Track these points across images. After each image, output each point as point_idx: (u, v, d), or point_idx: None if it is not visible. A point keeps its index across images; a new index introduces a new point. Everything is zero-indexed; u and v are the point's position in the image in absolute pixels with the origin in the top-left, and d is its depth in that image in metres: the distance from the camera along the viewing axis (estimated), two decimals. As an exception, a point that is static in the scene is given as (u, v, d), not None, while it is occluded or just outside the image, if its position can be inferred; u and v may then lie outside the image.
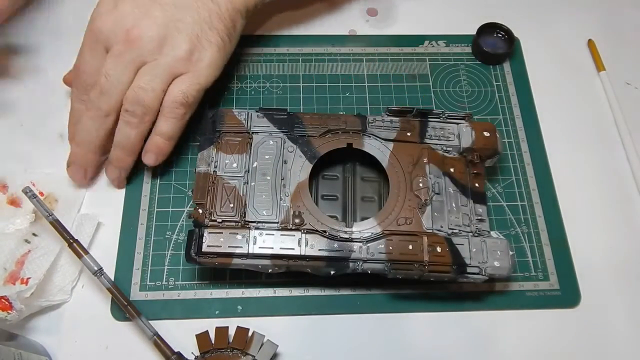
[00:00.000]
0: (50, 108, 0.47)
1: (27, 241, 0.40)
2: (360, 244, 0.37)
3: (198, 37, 0.40)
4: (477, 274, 0.37)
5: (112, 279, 0.39)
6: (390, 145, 0.40)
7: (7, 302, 0.36)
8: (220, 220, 0.37)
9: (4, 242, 0.40)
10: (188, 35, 0.40)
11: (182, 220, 0.43)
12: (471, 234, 0.38)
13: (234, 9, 0.43)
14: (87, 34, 0.40)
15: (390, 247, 0.37)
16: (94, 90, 0.39)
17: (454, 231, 0.38)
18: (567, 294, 0.42)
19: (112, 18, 0.39)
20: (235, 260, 0.36)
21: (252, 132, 0.40)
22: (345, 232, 0.37)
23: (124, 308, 0.37)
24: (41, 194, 0.42)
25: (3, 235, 0.40)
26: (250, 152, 0.40)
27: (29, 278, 0.38)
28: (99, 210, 0.42)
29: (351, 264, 0.37)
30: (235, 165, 0.39)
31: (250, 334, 0.37)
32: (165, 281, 0.41)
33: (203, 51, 0.40)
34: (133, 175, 0.44)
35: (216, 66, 0.41)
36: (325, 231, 0.37)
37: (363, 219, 0.41)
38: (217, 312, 0.40)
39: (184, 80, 0.40)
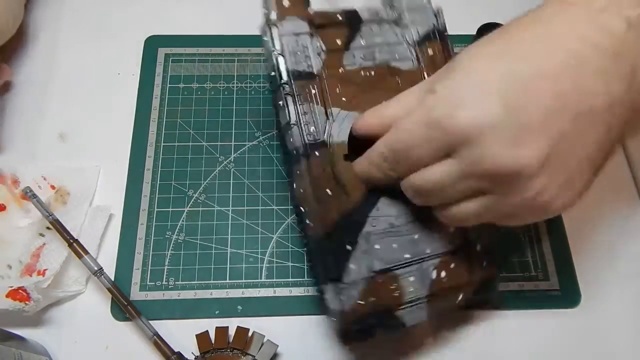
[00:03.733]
0: (50, 108, 0.47)
1: (41, 235, 0.40)
2: None
3: (571, 177, 0.25)
4: None
5: (112, 279, 0.39)
6: None
7: (24, 293, 0.36)
8: None
9: (18, 236, 0.40)
10: (567, 169, 0.25)
11: (182, 220, 0.43)
12: None
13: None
14: (436, 115, 0.26)
15: None
16: (409, 178, 0.29)
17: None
18: (567, 294, 0.42)
19: (477, 117, 0.24)
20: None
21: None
22: None
23: (124, 308, 0.37)
24: (52, 187, 0.42)
25: (17, 229, 0.40)
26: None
27: (46, 270, 0.38)
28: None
29: None
30: None
31: (250, 334, 0.37)
32: (165, 281, 0.41)
33: (556, 200, 0.25)
34: (133, 175, 0.44)
35: None
36: None
37: None
38: (217, 312, 0.40)
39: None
